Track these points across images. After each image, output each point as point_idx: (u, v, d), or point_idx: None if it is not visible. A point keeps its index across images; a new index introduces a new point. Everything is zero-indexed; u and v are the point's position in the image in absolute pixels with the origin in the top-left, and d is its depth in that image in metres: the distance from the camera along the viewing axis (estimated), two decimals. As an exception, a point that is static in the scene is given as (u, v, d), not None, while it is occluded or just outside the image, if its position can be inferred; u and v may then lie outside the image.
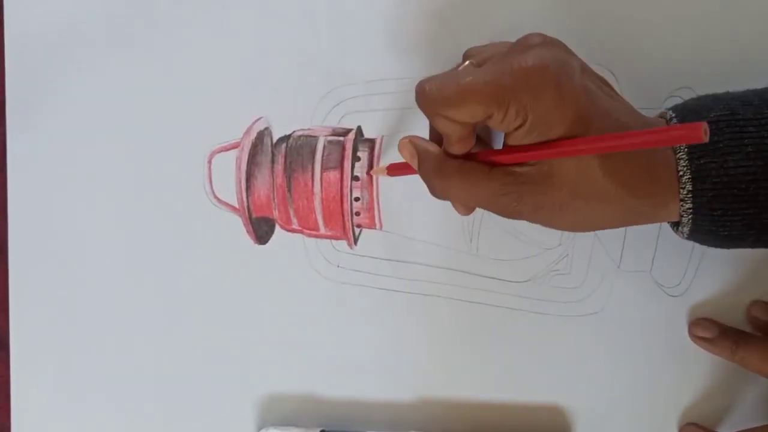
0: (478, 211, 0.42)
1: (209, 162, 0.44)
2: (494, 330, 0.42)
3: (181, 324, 0.44)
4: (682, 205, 0.33)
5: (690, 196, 0.33)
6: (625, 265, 0.41)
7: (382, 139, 0.43)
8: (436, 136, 0.37)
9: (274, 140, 0.43)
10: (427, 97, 0.32)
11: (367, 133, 0.43)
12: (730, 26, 0.41)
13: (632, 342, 0.41)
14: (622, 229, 0.41)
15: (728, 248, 0.36)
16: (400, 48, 0.42)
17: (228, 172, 0.44)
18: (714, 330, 0.40)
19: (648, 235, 0.41)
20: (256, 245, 0.44)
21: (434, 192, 0.36)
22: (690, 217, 0.33)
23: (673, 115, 0.34)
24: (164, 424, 0.44)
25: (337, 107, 0.43)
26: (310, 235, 0.43)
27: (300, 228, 0.43)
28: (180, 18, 0.44)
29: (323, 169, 0.43)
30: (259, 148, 0.43)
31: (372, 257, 0.43)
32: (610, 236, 0.41)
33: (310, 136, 0.43)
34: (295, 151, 0.43)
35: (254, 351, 0.44)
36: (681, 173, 0.33)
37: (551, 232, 0.42)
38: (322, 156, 0.43)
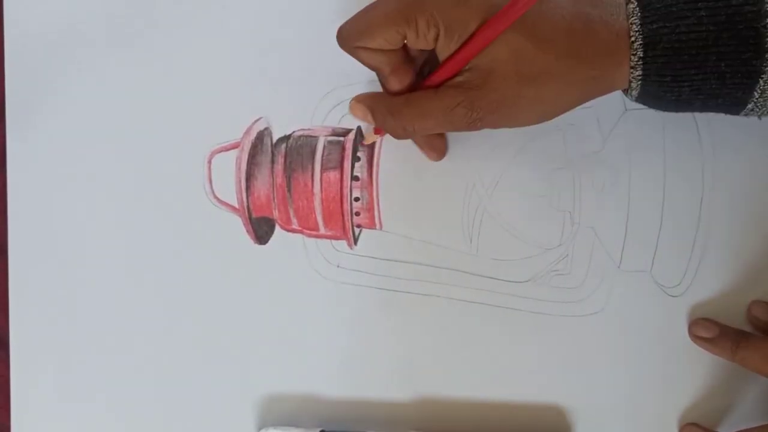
0: (478, 211, 0.42)
1: (209, 162, 0.44)
2: (494, 330, 0.42)
3: (181, 324, 0.44)
4: (632, 72, 0.33)
5: (640, 63, 0.33)
6: (625, 265, 0.41)
7: (381, 140, 0.43)
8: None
9: (274, 140, 0.43)
10: (342, 35, 0.35)
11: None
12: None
13: (632, 342, 0.41)
14: (622, 230, 0.41)
15: (675, 112, 0.36)
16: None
17: (228, 172, 0.44)
18: (714, 330, 0.40)
19: (648, 235, 0.41)
20: (256, 245, 0.44)
21: (396, 133, 0.37)
22: (639, 82, 0.33)
23: None
24: (164, 424, 0.44)
25: (337, 107, 0.43)
26: (310, 235, 0.43)
27: (300, 228, 0.43)
28: (180, 18, 0.44)
29: (323, 169, 0.43)
30: (259, 148, 0.43)
31: (372, 257, 0.43)
32: (611, 236, 0.41)
33: (310, 136, 0.43)
34: (295, 151, 0.43)
35: (254, 351, 0.44)
36: (633, 39, 0.33)
37: (551, 233, 0.42)
38: (322, 156, 0.43)
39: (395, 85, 0.36)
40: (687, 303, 0.41)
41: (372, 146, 0.43)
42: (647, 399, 0.41)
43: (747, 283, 0.41)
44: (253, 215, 0.44)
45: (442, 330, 0.42)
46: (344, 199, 0.43)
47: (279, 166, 0.43)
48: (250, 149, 0.43)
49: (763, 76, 0.32)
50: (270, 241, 0.44)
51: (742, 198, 0.41)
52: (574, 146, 0.42)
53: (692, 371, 0.41)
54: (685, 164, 0.41)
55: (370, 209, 0.43)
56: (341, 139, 0.43)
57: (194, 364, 0.44)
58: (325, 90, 0.43)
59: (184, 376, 0.44)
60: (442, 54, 0.34)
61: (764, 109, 0.34)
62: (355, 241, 0.43)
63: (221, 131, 0.44)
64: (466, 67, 0.34)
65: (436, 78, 0.35)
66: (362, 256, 0.43)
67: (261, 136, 0.44)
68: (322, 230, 0.43)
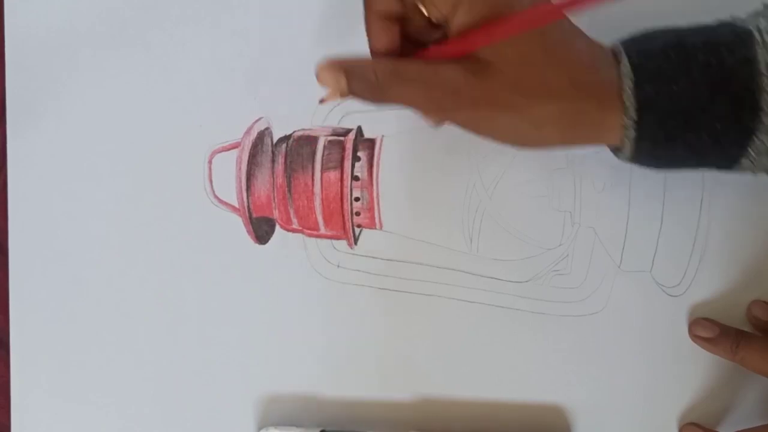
0: (478, 211, 0.42)
1: (210, 162, 0.44)
2: (494, 330, 0.42)
3: (181, 324, 0.44)
4: (625, 132, 0.32)
5: (634, 123, 0.32)
6: (625, 265, 0.41)
7: (382, 139, 0.43)
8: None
9: (275, 140, 0.43)
10: None
11: (367, 133, 0.43)
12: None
13: (632, 342, 0.41)
14: (622, 230, 0.41)
15: (668, 170, 0.35)
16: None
17: (228, 172, 0.44)
18: (714, 330, 0.40)
19: (648, 235, 0.41)
20: (256, 245, 0.44)
21: (371, 96, 0.33)
22: (633, 142, 0.33)
23: (622, 48, 0.33)
24: (164, 424, 0.44)
25: (337, 107, 0.43)
26: (310, 235, 0.43)
27: (300, 228, 0.43)
28: (180, 18, 0.44)
29: (323, 169, 0.43)
30: (260, 148, 0.43)
31: (372, 257, 0.43)
32: (611, 236, 0.41)
33: (311, 136, 0.43)
34: (296, 151, 0.43)
35: (254, 351, 0.44)
36: (626, 100, 0.32)
37: (551, 233, 0.42)
38: (323, 156, 0.43)
39: (382, 40, 0.33)
40: (687, 303, 0.41)
41: (372, 146, 0.43)
42: (647, 399, 0.41)
43: (747, 283, 0.41)
44: (254, 215, 0.44)
45: (443, 330, 0.42)
46: (344, 199, 0.43)
47: (279, 166, 0.43)
48: (251, 149, 0.43)
49: (757, 134, 0.32)
50: (270, 241, 0.44)
51: (742, 198, 0.41)
52: (575, 146, 0.42)
53: (692, 371, 0.41)
54: (685, 164, 0.41)
55: (370, 209, 0.43)
56: (341, 139, 0.43)
57: (194, 363, 0.44)
58: (326, 90, 0.43)
59: (184, 376, 0.44)
60: (455, 25, 0.32)
61: (759, 166, 0.33)
62: (356, 241, 0.43)
63: (222, 131, 0.44)
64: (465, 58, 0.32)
65: (436, 52, 0.33)
66: (362, 256, 0.43)
67: (261, 136, 0.44)
68: (323, 230, 0.43)
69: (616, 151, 0.35)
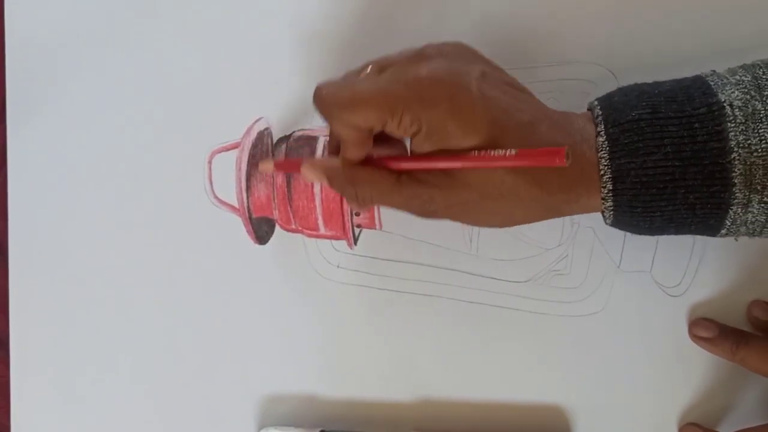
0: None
1: (209, 162, 0.44)
2: (494, 330, 0.42)
3: (181, 324, 0.44)
4: (603, 203, 0.33)
5: (611, 195, 0.33)
6: (625, 266, 0.41)
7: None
8: (335, 144, 0.37)
9: (274, 140, 0.43)
10: (323, 101, 0.34)
11: (367, 133, 0.43)
12: (731, 21, 0.41)
13: (632, 342, 0.41)
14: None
15: (651, 235, 0.36)
16: (401, 49, 0.42)
17: (228, 172, 0.44)
18: (714, 330, 0.40)
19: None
20: (256, 245, 0.44)
21: (352, 201, 0.36)
22: (611, 212, 0.34)
23: (600, 112, 0.34)
24: (164, 424, 0.44)
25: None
26: (310, 235, 0.43)
27: (300, 228, 0.43)
28: (180, 18, 0.44)
29: (323, 169, 0.43)
30: (260, 149, 0.43)
31: (372, 257, 0.43)
32: (610, 236, 0.41)
33: (310, 136, 0.43)
34: (295, 152, 0.43)
35: (254, 351, 0.44)
36: (602, 172, 0.33)
37: (551, 233, 0.42)
38: (322, 156, 0.43)
39: (353, 154, 0.35)
40: (687, 303, 0.41)
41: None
42: (647, 399, 0.41)
43: (747, 283, 0.41)
44: (254, 215, 0.44)
45: (442, 330, 0.42)
46: (344, 199, 0.43)
47: (279, 166, 0.43)
48: (251, 149, 0.43)
49: (732, 207, 0.32)
50: (270, 241, 0.44)
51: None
52: (574, 146, 0.42)
53: (692, 371, 0.41)
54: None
55: (369, 209, 0.43)
56: (341, 139, 0.43)
57: (194, 364, 0.44)
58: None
59: (185, 376, 0.44)
60: (415, 146, 0.34)
61: (738, 234, 0.34)
62: (355, 241, 0.43)
63: (222, 131, 0.44)
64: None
65: (401, 166, 0.34)
66: (362, 256, 0.43)
67: (261, 137, 0.44)
68: (322, 230, 0.43)
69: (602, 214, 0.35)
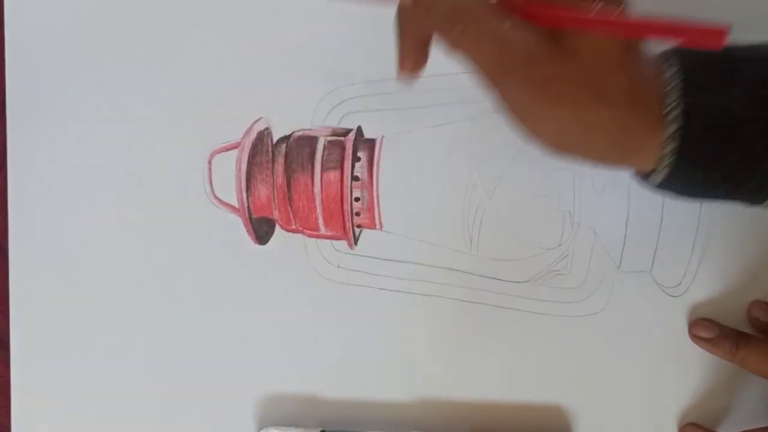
0: (478, 211, 0.42)
1: (209, 162, 0.44)
2: (494, 330, 0.42)
3: (181, 324, 0.44)
4: (665, 147, 0.30)
5: (680, 132, 0.30)
6: (625, 266, 0.41)
7: (382, 140, 0.43)
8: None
9: (274, 140, 0.43)
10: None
11: (367, 134, 0.43)
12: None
13: (632, 342, 0.41)
14: (622, 230, 0.41)
15: (692, 198, 0.33)
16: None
17: (228, 172, 0.44)
18: (714, 330, 0.40)
19: (648, 235, 0.41)
20: (257, 245, 0.44)
21: (448, 29, 0.30)
22: (672, 159, 0.30)
23: (671, 55, 0.31)
24: (164, 424, 0.44)
25: (337, 107, 0.43)
26: (310, 236, 0.43)
27: (300, 228, 0.43)
28: (180, 18, 0.44)
29: (323, 169, 0.43)
30: (260, 149, 0.43)
31: (372, 257, 0.43)
32: (611, 236, 0.41)
33: (310, 136, 0.43)
34: (295, 152, 0.43)
35: (254, 351, 0.44)
36: (670, 108, 0.30)
37: (551, 233, 0.42)
38: (323, 156, 0.43)
39: (415, 64, 0.31)
40: (687, 303, 0.41)
41: (372, 146, 0.43)
42: (647, 399, 0.41)
43: (747, 283, 0.41)
44: (254, 215, 0.44)
45: (443, 330, 0.42)
46: (344, 200, 0.43)
47: (279, 167, 0.43)
48: (251, 149, 0.43)
49: None
50: (270, 242, 0.44)
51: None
52: (575, 146, 0.42)
53: (692, 371, 0.41)
54: (685, 164, 0.41)
55: (370, 209, 0.43)
56: (341, 139, 0.43)
57: (194, 363, 0.44)
58: (325, 90, 0.43)
59: (184, 376, 0.44)
60: None
61: None
62: (356, 241, 0.43)
63: (221, 131, 0.44)
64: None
65: (528, 11, 0.30)
66: (363, 256, 0.43)
67: (261, 137, 0.43)
68: (323, 230, 0.43)
69: (643, 177, 0.33)
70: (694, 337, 0.41)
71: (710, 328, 0.40)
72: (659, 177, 0.31)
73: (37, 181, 0.45)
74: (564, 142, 0.31)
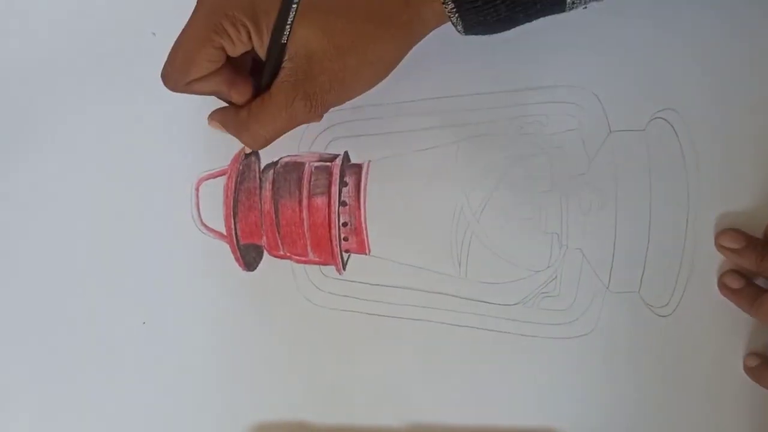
0: (466, 234, 0.42)
1: (197, 189, 0.44)
2: (484, 354, 0.42)
3: (170, 351, 0.44)
4: (445, 6, 0.34)
5: None
6: (613, 286, 0.42)
7: (369, 164, 0.43)
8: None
9: (262, 166, 0.44)
10: (168, 79, 0.36)
11: (354, 159, 0.43)
12: (714, 48, 0.41)
13: (623, 363, 0.41)
14: (609, 251, 0.41)
15: (506, 30, 0.36)
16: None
17: (216, 199, 0.44)
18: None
19: (636, 255, 0.41)
20: (245, 272, 0.43)
21: (252, 144, 0.37)
22: (456, 15, 0.35)
23: None
24: (153, 455, 0.44)
25: (324, 133, 0.43)
26: (298, 261, 0.43)
27: (288, 254, 0.43)
28: (165, 46, 0.44)
29: (311, 195, 0.43)
30: (247, 175, 0.43)
31: (361, 282, 0.43)
32: (599, 257, 0.41)
33: (298, 162, 0.43)
34: (283, 177, 0.43)
35: (243, 378, 0.43)
36: None
37: (540, 255, 0.42)
38: (310, 182, 0.43)
39: (239, 98, 0.36)
40: (676, 322, 0.41)
41: (359, 171, 0.43)
42: (638, 420, 0.41)
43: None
44: (241, 242, 0.43)
45: (433, 355, 0.42)
46: (332, 225, 0.43)
47: (267, 193, 0.43)
48: (238, 176, 0.43)
49: None
50: (258, 268, 0.43)
51: (727, 217, 0.41)
52: (560, 169, 0.42)
53: (683, 391, 0.41)
54: (670, 184, 0.41)
55: (358, 234, 0.43)
56: (328, 164, 0.43)
57: (183, 391, 0.44)
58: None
59: (173, 404, 0.44)
60: (261, 49, 0.35)
61: (586, 1, 0.35)
62: (344, 266, 0.43)
63: (209, 159, 0.44)
64: (286, 59, 0.34)
65: (265, 78, 0.35)
66: (351, 281, 0.43)
67: (248, 163, 0.44)
68: (311, 256, 0.43)
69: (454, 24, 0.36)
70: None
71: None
72: (459, 28, 0.36)
73: (21, 211, 0.45)
74: (380, 76, 0.36)
